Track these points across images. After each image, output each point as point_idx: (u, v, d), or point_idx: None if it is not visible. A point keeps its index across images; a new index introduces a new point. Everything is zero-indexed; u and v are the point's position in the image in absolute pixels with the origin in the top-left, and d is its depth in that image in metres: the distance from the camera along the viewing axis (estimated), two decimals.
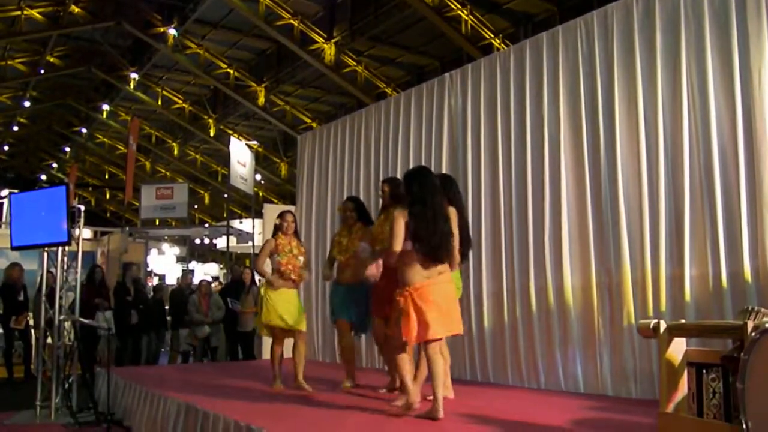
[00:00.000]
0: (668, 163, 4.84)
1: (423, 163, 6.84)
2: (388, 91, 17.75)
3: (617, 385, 4.98)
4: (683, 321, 3.38)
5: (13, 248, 6.73)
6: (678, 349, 3.21)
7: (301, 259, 5.66)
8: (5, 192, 17.32)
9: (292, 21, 16.64)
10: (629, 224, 5.02)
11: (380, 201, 5.58)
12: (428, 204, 4.07)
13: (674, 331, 3.23)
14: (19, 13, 17.48)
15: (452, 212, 4.67)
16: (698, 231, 4.65)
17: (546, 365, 5.47)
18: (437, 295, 4.04)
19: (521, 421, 4.13)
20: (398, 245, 4.05)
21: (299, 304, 5.68)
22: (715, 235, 4.52)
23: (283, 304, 5.48)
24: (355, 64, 17.80)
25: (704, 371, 3.06)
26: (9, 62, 20.66)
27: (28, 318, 9.50)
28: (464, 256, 4.92)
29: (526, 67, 5.93)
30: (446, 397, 4.72)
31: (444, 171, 6.44)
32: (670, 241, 4.78)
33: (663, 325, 3.25)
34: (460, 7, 14.47)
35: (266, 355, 8.01)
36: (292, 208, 9.16)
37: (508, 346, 5.78)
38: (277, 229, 5.69)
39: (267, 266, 5.66)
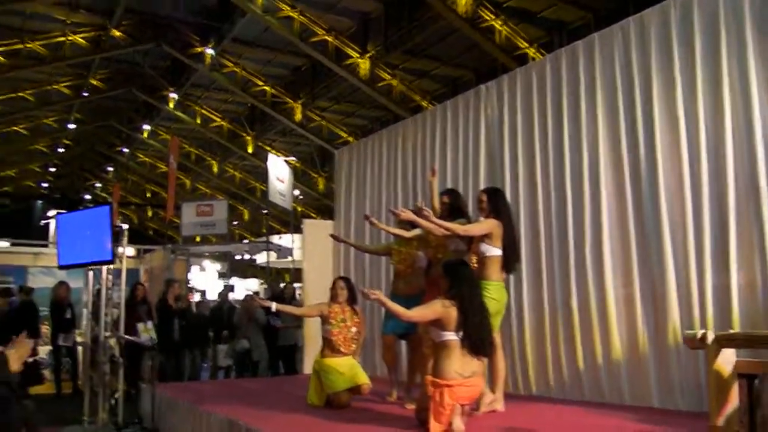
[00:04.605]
0: (711, 170, 4.73)
1: (461, 175, 6.83)
2: (424, 103, 17.76)
3: (663, 397, 4.87)
4: (732, 331, 3.29)
5: (60, 267, 6.91)
6: (727, 360, 3.13)
7: (354, 329, 5.48)
8: (53, 212, 17.79)
9: (326, 37, 16.81)
10: (672, 233, 4.91)
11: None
12: (474, 300, 4.25)
13: (723, 341, 3.15)
14: (63, 39, 18.11)
15: (493, 224, 4.66)
16: (744, 237, 4.52)
17: (589, 377, 5.37)
18: (464, 399, 4.19)
19: None
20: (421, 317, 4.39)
21: (352, 362, 5.51)
22: (762, 242, 4.39)
23: (340, 366, 5.37)
24: (389, 77, 17.87)
25: (756, 382, 2.98)
26: (54, 86, 21.34)
27: (75, 335, 9.72)
28: (512, 268, 4.91)
29: (563, 77, 5.87)
30: (496, 410, 4.73)
31: (482, 183, 6.43)
32: (716, 248, 4.66)
33: (711, 336, 3.17)
34: (493, 17, 14.46)
35: (308, 369, 8.05)
36: (330, 223, 9.21)
37: (551, 359, 5.70)
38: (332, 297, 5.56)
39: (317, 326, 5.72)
